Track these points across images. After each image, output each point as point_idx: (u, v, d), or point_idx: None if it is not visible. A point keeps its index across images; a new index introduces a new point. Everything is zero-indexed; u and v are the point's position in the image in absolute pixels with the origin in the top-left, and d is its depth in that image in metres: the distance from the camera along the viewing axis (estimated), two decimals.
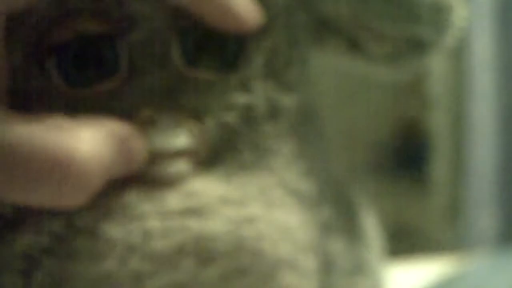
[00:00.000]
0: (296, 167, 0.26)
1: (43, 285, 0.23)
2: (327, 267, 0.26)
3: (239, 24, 0.24)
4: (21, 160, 0.22)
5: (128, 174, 0.24)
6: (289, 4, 0.26)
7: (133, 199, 0.23)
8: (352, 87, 0.89)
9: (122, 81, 0.24)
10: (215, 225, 0.23)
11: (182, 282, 0.23)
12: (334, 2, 0.27)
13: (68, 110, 0.23)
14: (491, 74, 1.02)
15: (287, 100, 0.26)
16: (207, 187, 0.24)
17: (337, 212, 0.27)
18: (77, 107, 0.24)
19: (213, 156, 0.25)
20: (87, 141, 0.22)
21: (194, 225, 0.23)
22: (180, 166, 0.24)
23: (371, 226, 0.30)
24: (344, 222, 0.28)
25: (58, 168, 0.22)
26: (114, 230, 0.23)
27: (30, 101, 0.24)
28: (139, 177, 0.24)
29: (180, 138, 0.24)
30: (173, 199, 0.23)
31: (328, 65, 0.30)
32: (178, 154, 0.24)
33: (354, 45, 0.29)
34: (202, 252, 0.23)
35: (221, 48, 0.25)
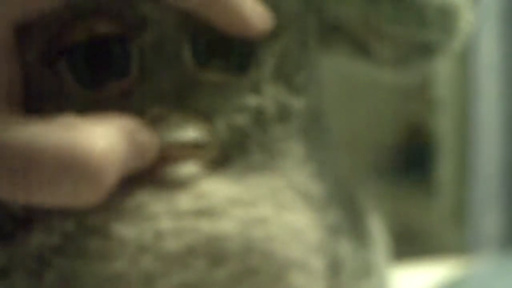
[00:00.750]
0: (306, 169, 0.26)
1: (54, 284, 0.23)
2: (335, 268, 0.26)
3: (249, 29, 0.24)
4: (37, 161, 0.22)
5: (140, 170, 0.24)
6: (299, 8, 0.27)
7: (145, 199, 0.23)
8: (358, 89, 0.89)
9: (134, 82, 0.24)
10: (226, 226, 0.23)
11: (192, 283, 0.23)
12: (344, 6, 0.27)
13: (80, 111, 0.23)
14: (496, 77, 1.02)
15: (297, 103, 0.26)
16: (218, 188, 0.24)
17: (345, 214, 0.28)
18: (89, 108, 0.24)
19: (224, 158, 0.25)
20: (102, 137, 0.22)
21: (205, 225, 0.23)
22: (191, 167, 0.24)
23: (377, 228, 0.30)
24: (352, 224, 0.28)
25: (75, 166, 0.21)
26: (126, 230, 0.23)
27: (42, 103, 0.24)
28: (151, 177, 0.24)
29: (190, 132, 0.24)
30: (184, 200, 0.24)
31: (333, 68, 0.30)
32: (189, 149, 0.24)
33: (362, 49, 0.29)
34: (213, 252, 0.23)
35: (232, 50, 0.25)
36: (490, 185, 1.01)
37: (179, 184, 0.24)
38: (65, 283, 0.23)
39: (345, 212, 0.28)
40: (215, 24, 0.24)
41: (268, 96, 0.26)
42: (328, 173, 0.27)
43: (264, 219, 0.24)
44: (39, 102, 0.24)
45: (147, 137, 0.23)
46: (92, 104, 0.24)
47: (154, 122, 0.24)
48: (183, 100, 0.25)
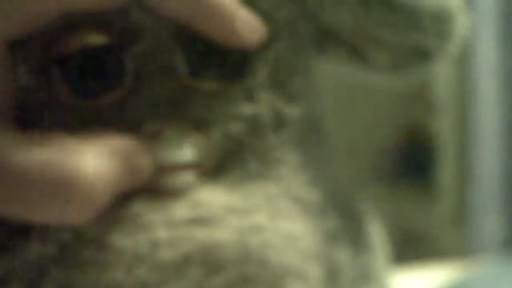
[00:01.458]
0: (302, 177, 0.26)
1: None
2: (333, 275, 0.26)
3: (242, 41, 0.24)
4: (26, 180, 0.21)
5: (134, 188, 0.24)
6: (292, 16, 0.27)
7: (140, 209, 0.23)
8: (357, 93, 0.89)
9: (128, 92, 0.24)
10: (222, 235, 0.23)
11: None
12: (337, 12, 0.27)
13: (74, 122, 0.23)
14: (495, 80, 1.02)
15: (292, 110, 0.26)
16: (213, 197, 0.24)
17: (343, 221, 0.28)
18: (83, 119, 0.24)
19: (219, 166, 0.25)
20: (92, 159, 0.22)
21: (201, 234, 0.23)
22: (187, 177, 0.24)
23: (377, 233, 0.30)
24: (350, 230, 0.28)
25: (63, 187, 0.21)
26: (122, 240, 0.23)
27: (36, 114, 0.24)
28: (146, 187, 0.24)
29: (186, 152, 0.24)
30: (180, 209, 0.24)
31: (331, 72, 0.30)
32: (184, 167, 0.24)
33: (357, 55, 0.29)
34: (209, 261, 0.23)
35: (225, 59, 0.25)
36: (490, 188, 1.01)
37: (174, 193, 0.24)
38: None
39: (342, 219, 0.28)
40: (208, 35, 0.24)
41: (263, 104, 0.26)
42: (325, 180, 0.27)
43: (260, 227, 0.24)
44: (33, 113, 0.24)
45: (141, 159, 0.23)
46: (86, 114, 0.24)
47: (149, 139, 0.24)
48: (178, 110, 0.25)
